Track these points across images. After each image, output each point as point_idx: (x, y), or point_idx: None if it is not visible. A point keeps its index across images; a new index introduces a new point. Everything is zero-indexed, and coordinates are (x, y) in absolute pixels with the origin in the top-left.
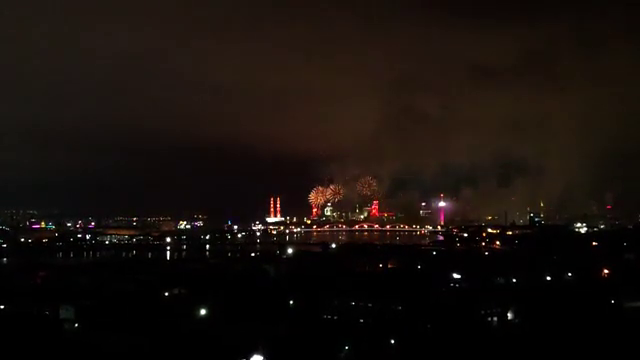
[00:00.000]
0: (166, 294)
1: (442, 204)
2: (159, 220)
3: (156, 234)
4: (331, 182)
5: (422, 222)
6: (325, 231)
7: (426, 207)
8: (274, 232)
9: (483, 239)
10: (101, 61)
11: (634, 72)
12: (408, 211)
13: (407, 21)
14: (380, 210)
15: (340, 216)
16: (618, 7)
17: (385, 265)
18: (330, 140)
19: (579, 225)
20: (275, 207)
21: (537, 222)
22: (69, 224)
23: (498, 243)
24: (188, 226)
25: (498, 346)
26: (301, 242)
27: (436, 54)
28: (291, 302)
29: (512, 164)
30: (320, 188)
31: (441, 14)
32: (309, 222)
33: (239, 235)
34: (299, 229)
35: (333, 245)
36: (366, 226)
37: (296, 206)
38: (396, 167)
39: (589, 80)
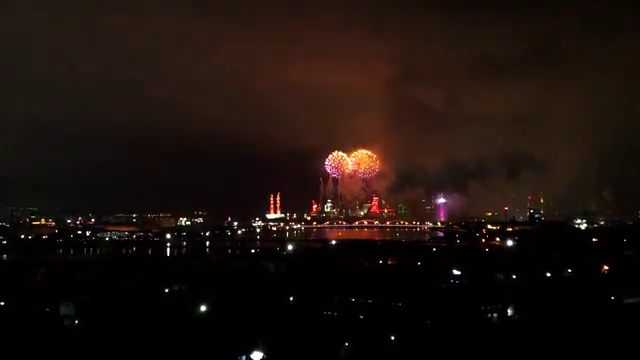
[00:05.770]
0: (166, 290)
1: (442, 200)
2: (159, 217)
3: (156, 231)
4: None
5: (426, 218)
6: (325, 227)
7: (427, 204)
8: (274, 228)
9: (483, 235)
10: (101, 60)
11: (637, 68)
12: (413, 207)
13: (408, 16)
14: (381, 206)
15: (340, 213)
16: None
17: (385, 261)
18: (331, 137)
19: (579, 221)
20: (275, 204)
21: (537, 218)
22: (69, 221)
23: (498, 239)
24: (188, 223)
25: (498, 342)
26: (301, 239)
27: (438, 49)
28: (291, 298)
29: (512, 160)
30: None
31: (443, 8)
32: (309, 218)
33: (239, 232)
34: (299, 225)
35: (333, 241)
36: (366, 223)
37: (296, 203)
38: (398, 163)
39: (591, 77)
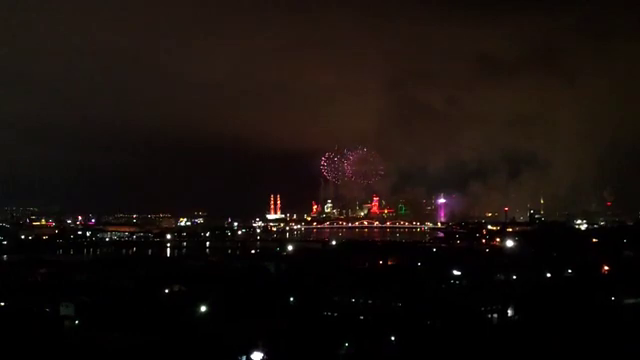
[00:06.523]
0: (166, 291)
1: (442, 201)
2: (159, 217)
3: (156, 231)
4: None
5: (426, 219)
6: (325, 228)
7: (427, 204)
8: (274, 229)
9: (483, 236)
10: (101, 60)
11: (637, 68)
12: (413, 207)
13: (408, 16)
14: (381, 207)
15: (340, 213)
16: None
17: (385, 262)
18: (332, 137)
19: (579, 222)
20: (275, 204)
21: (537, 219)
22: (69, 221)
23: (498, 240)
24: (188, 223)
25: (499, 342)
26: (301, 239)
27: (438, 49)
28: (291, 299)
29: (513, 160)
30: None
31: (442, 8)
32: (309, 219)
33: (239, 232)
34: (299, 226)
35: (333, 242)
36: (366, 223)
37: (296, 203)
38: (399, 163)
39: (592, 76)
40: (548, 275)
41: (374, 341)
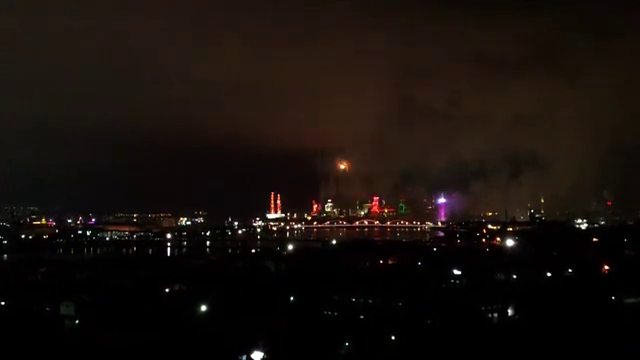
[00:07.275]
0: (167, 290)
1: (443, 200)
2: (159, 216)
3: (157, 230)
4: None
5: (426, 218)
6: (325, 227)
7: (427, 203)
8: (274, 228)
9: (483, 235)
10: (101, 60)
11: (637, 68)
12: (413, 207)
13: (408, 16)
14: (381, 206)
15: (340, 212)
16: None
17: (385, 261)
18: (332, 137)
19: (579, 221)
20: (275, 203)
21: (537, 218)
22: (69, 220)
23: (498, 239)
24: (189, 222)
25: (499, 342)
26: (301, 238)
27: (438, 49)
28: (291, 298)
29: (513, 160)
30: None
31: (442, 8)
32: (309, 218)
33: (239, 231)
34: (299, 225)
35: (333, 241)
36: (366, 222)
37: (296, 203)
38: (398, 163)
39: (592, 76)
40: (548, 274)
41: (374, 341)
